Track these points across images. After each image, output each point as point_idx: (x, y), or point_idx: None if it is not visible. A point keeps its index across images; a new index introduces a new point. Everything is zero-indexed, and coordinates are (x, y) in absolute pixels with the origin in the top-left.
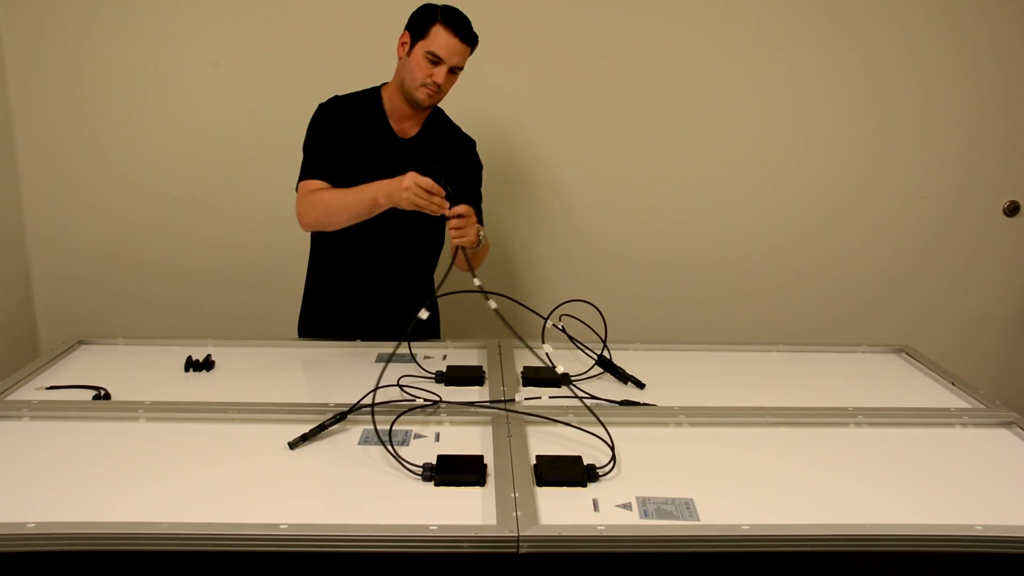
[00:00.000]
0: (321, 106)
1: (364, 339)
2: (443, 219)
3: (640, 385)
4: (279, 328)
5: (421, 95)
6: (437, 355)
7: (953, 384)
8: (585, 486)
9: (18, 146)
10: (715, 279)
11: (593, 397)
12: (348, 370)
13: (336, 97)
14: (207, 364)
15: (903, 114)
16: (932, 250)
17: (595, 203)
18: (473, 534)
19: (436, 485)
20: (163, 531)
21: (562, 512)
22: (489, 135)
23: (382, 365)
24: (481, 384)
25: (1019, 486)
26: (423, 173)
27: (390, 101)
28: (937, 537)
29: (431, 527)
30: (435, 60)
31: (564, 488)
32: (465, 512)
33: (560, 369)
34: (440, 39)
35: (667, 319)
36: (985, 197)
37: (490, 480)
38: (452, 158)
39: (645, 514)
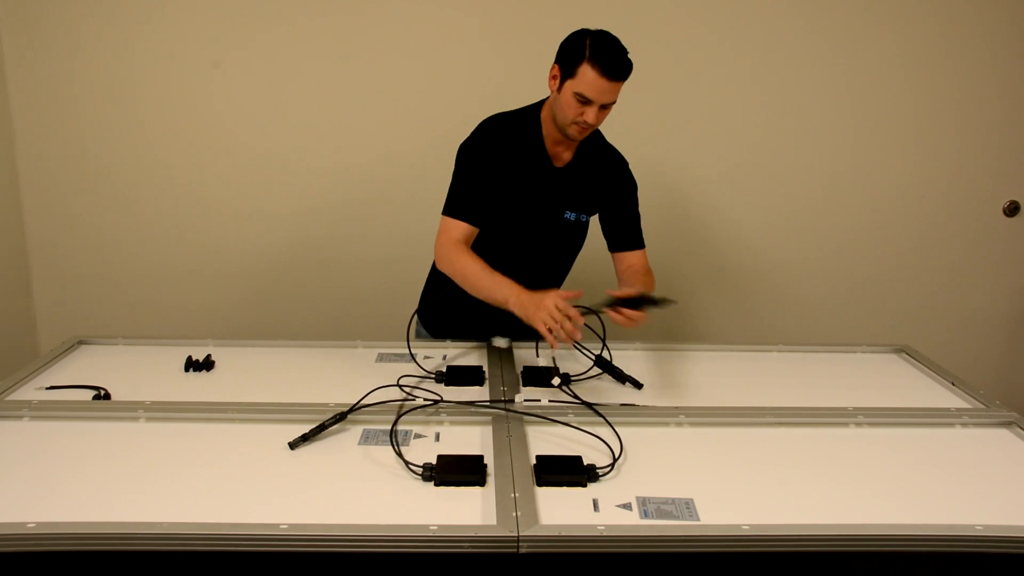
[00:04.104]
0: (481, 125)
1: (480, 338)
2: (577, 251)
3: (638, 385)
4: (279, 328)
5: (573, 132)
6: (437, 355)
7: (953, 384)
8: (585, 486)
9: (18, 146)
10: (715, 279)
11: (583, 403)
12: (348, 370)
13: (498, 116)
14: (207, 364)
15: (903, 114)
16: (932, 250)
17: None
18: (473, 534)
19: (436, 485)
20: (163, 531)
21: (562, 512)
22: None
23: (382, 365)
24: (481, 384)
25: (1019, 486)
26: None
27: (546, 125)
28: (937, 537)
29: (431, 527)
30: (584, 100)
31: (564, 488)
32: (465, 512)
33: (556, 381)
34: (588, 80)
35: (667, 319)
36: (985, 197)
37: (490, 480)
38: (604, 182)
39: (645, 514)
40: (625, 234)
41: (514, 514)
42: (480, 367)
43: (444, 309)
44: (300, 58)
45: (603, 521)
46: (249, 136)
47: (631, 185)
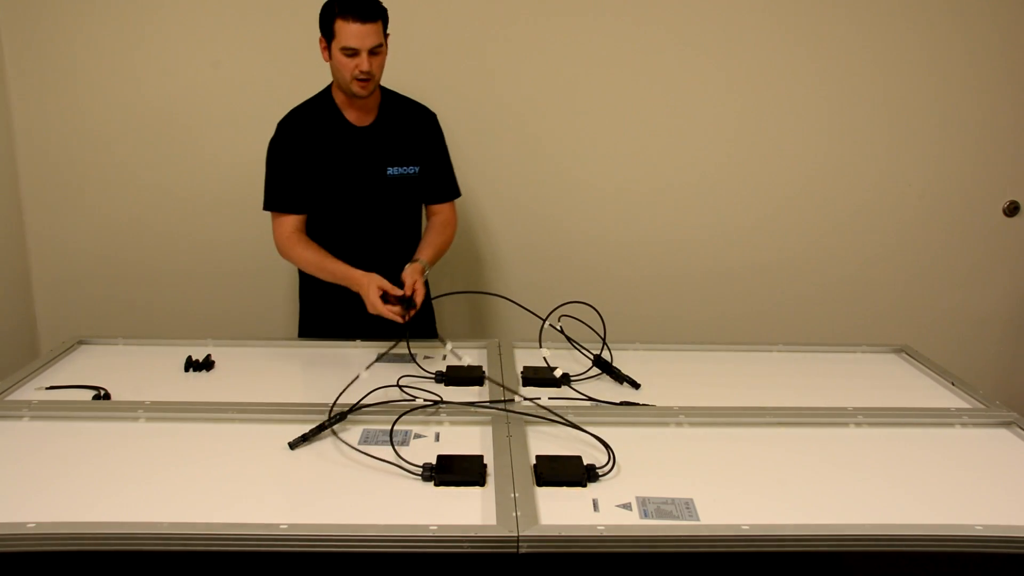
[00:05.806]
0: (279, 125)
1: (364, 334)
2: (417, 204)
3: (635, 385)
4: (279, 328)
5: (357, 89)
6: (437, 355)
7: (953, 384)
8: (585, 486)
9: (18, 146)
10: (716, 279)
11: (590, 399)
12: (348, 370)
13: (291, 111)
14: (207, 364)
15: (903, 114)
16: (932, 250)
17: (595, 204)
18: (473, 534)
19: (436, 485)
20: (163, 531)
21: (562, 512)
22: (492, 135)
23: (381, 365)
24: (481, 384)
25: (1019, 486)
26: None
27: (339, 96)
28: (937, 537)
29: (431, 527)
30: (351, 52)
31: (564, 488)
32: (465, 512)
33: (559, 372)
34: (346, 31)
35: (668, 319)
36: (985, 197)
37: (490, 480)
38: (416, 135)
39: (645, 514)
40: (439, 188)
41: (514, 514)
42: (480, 367)
43: (322, 316)
44: (300, 58)
45: (603, 521)
46: (249, 136)
47: (438, 137)
